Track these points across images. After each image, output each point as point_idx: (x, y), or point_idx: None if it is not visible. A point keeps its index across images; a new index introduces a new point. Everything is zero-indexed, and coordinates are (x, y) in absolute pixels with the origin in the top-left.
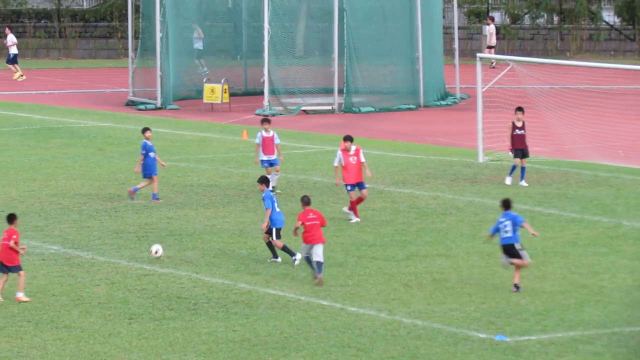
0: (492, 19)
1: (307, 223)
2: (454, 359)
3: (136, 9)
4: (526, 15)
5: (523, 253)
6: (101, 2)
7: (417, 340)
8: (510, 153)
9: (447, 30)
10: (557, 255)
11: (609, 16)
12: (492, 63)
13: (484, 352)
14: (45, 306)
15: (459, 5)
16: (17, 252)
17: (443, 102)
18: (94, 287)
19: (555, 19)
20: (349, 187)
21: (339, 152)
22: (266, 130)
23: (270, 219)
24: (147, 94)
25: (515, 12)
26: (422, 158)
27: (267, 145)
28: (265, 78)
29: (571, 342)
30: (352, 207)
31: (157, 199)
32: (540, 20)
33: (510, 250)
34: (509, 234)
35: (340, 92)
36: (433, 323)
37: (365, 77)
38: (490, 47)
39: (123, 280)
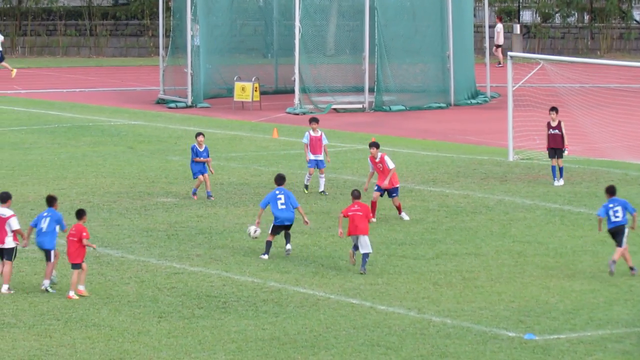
0: (500, 19)
1: (350, 214)
2: (483, 357)
3: (167, 7)
4: (557, 14)
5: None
6: (132, 0)
7: (446, 339)
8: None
9: (478, 29)
10: (586, 254)
11: None
12: (499, 63)
13: (512, 350)
14: (75, 304)
15: (490, 4)
16: (84, 248)
17: (474, 101)
18: (123, 286)
19: (586, 17)
20: (375, 187)
21: (369, 160)
22: (314, 130)
23: (274, 216)
24: (178, 92)
25: (546, 10)
26: (452, 157)
27: (314, 144)
28: (296, 76)
29: (600, 341)
30: (372, 207)
31: (210, 196)
32: (571, 19)
33: (617, 233)
34: (620, 218)
35: (371, 90)
36: (462, 322)
37: (395, 76)
38: (498, 46)
39: (152, 279)
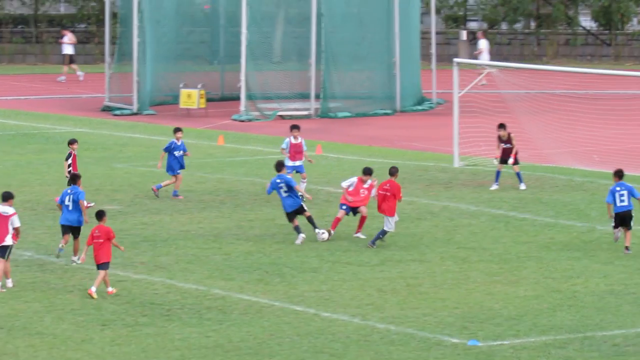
0: (484, 34)
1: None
2: None
3: (114, 14)
4: (503, 20)
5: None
6: (79, 7)
7: (390, 346)
8: (495, 161)
9: (425, 35)
10: (531, 260)
11: (586, 21)
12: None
13: (456, 357)
14: (18, 312)
15: (437, 11)
16: (109, 249)
17: (419, 107)
18: (67, 294)
19: (533, 24)
20: (344, 207)
21: (355, 179)
22: (295, 137)
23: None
24: (124, 99)
25: (493, 17)
26: (398, 163)
27: (294, 151)
28: (242, 83)
29: (544, 347)
30: (334, 223)
31: (177, 195)
32: (518, 25)
33: (625, 218)
34: (625, 203)
35: (317, 97)
36: (406, 328)
37: (342, 82)
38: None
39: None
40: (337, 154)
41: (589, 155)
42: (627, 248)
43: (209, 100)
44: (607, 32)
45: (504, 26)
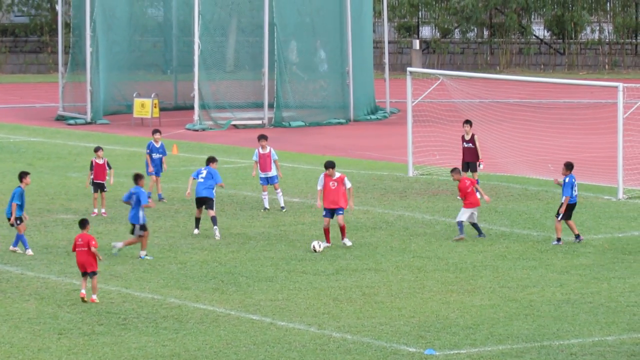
0: None
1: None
2: None
3: (66, 24)
4: (456, 29)
5: None
6: (32, 16)
7: (346, 355)
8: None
9: (377, 45)
10: (486, 269)
11: (539, 30)
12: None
13: None
14: None
15: (389, 20)
16: (96, 257)
17: (373, 117)
18: (23, 303)
19: (486, 33)
20: (324, 212)
21: (322, 176)
22: (262, 147)
23: None
24: (77, 109)
25: (446, 26)
26: (352, 172)
27: (263, 162)
28: (196, 93)
29: (500, 356)
30: (325, 233)
31: (163, 198)
32: (471, 35)
33: (571, 210)
34: (577, 193)
35: (271, 106)
36: (363, 337)
37: (295, 92)
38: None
39: (52, 295)
40: (291, 164)
41: (544, 164)
42: (577, 236)
43: (162, 109)
44: (560, 41)
45: (457, 35)
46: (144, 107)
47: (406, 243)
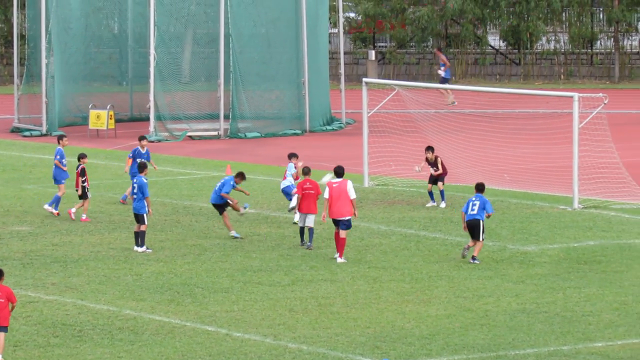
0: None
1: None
2: None
3: (22, 36)
4: (412, 40)
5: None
6: None
7: None
8: (417, 168)
9: (333, 56)
10: (442, 279)
11: (495, 40)
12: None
13: None
14: None
15: (345, 31)
16: (10, 312)
17: (329, 127)
18: None
19: (441, 43)
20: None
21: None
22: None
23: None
24: (33, 121)
25: (401, 36)
26: None
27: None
28: (151, 104)
29: None
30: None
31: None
32: (426, 45)
33: (473, 227)
34: (475, 212)
35: (226, 117)
36: (318, 348)
37: (250, 103)
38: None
39: None
40: (247, 175)
41: (500, 174)
42: (473, 258)
43: (118, 121)
44: (516, 51)
45: (412, 46)
46: (100, 118)
47: (362, 254)
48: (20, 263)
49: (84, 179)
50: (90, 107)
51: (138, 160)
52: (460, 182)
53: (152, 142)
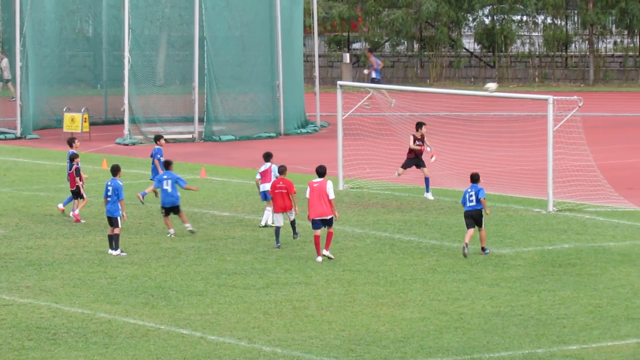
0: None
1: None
2: None
3: None
4: (386, 43)
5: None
6: None
7: None
8: (432, 159)
9: (308, 58)
10: (416, 282)
11: (469, 43)
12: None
13: None
14: None
15: (320, 34)
16: None
17: (303, 130)
18: None
19: (416, 46)
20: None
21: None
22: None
23: None
24: (7, 124)
25: (376, 39)
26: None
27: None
28: (126, 107)
29: None
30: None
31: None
32: (401, 48)
33: (476, 217)
34: (474, 203)
35: (201, 120)
36: (293, 351)
37: (225, 105)
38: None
39: None
40: (221, 177)
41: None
42: (483, 249)
43: (92, 124)
44: (490, 54)
45: (387, 48)
46: (74, 121)
47: (336, 256)
48: None
49: (78, 178)
50: (64, 110)
51: (161, 158)
52: (435, 185)
53: (127, 145)
